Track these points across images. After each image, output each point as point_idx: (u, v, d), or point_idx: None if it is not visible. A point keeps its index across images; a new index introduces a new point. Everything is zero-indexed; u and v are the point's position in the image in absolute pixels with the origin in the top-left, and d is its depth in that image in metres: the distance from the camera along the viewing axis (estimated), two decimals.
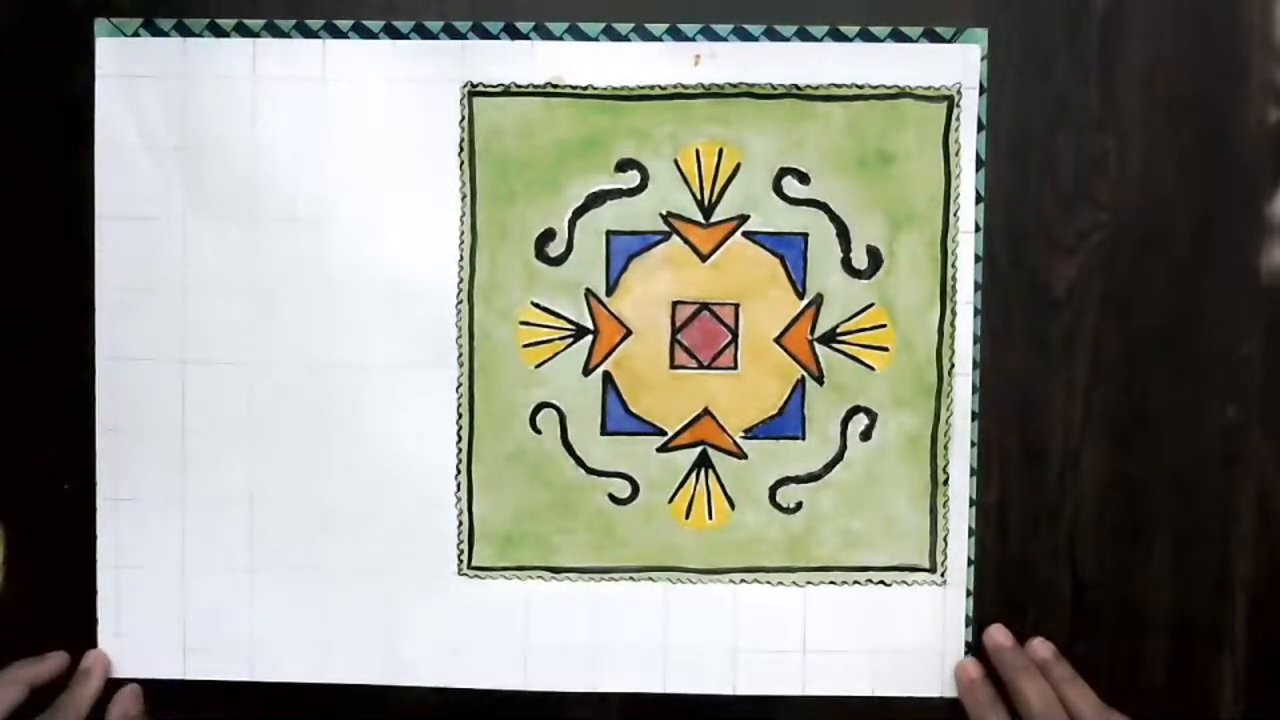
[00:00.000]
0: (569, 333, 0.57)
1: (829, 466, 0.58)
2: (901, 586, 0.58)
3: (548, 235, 0.57)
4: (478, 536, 0.58)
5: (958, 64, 0.56)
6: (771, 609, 0.58)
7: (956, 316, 0.57)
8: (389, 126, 0.57)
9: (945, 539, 0.57)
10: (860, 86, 0.56)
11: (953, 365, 0.57)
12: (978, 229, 0.57)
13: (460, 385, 0.57)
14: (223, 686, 0.58)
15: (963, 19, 0.56)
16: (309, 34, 0.56)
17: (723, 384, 0.57)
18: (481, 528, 0.58)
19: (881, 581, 0.58)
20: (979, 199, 0.56)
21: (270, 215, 0.57)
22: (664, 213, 0.57)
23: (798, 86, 0.56)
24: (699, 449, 0.58)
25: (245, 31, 0.56)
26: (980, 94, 0.56)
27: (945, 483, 0.57)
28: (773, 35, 0.56)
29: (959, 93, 0.56)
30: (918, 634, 0.58)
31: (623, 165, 0.57)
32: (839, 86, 0.56)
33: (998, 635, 0.57)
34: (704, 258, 0.57)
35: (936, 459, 0.57)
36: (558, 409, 0.57)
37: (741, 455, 0.58)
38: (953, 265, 0.57)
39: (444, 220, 0.57)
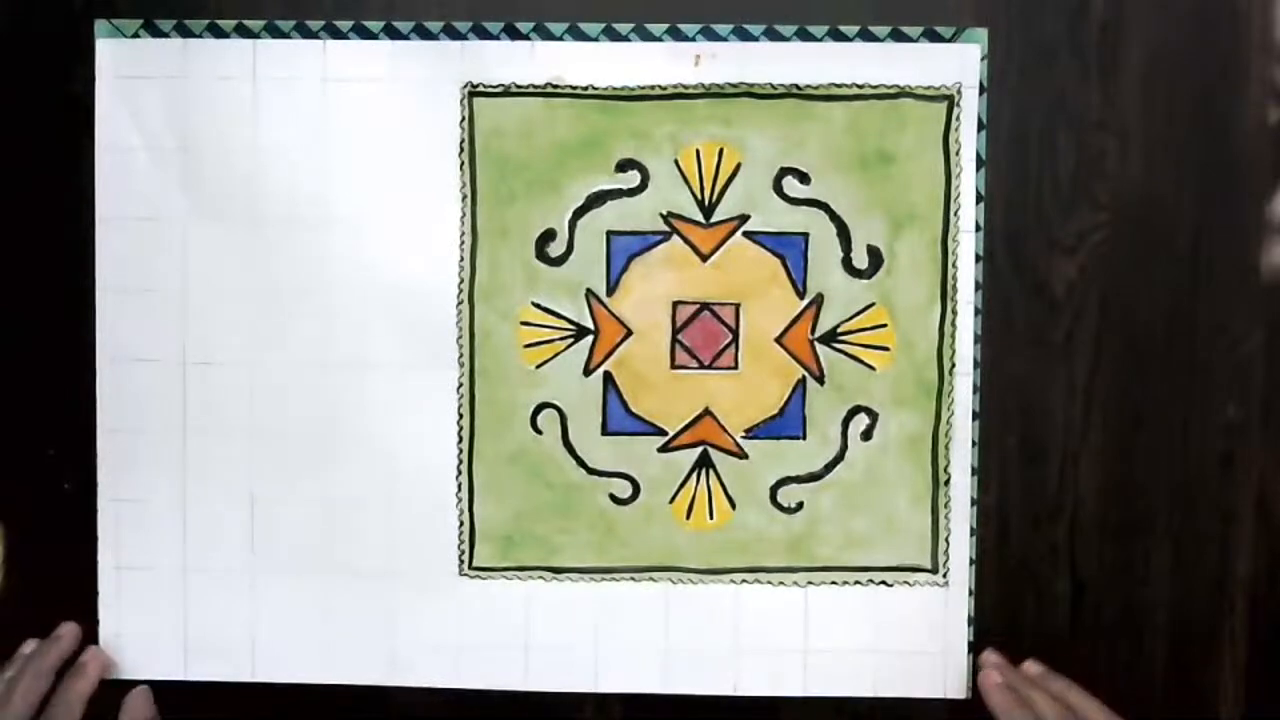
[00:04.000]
0: (569, 333, 0.57)
1: (830, 466, 0.58)
2: (903, 586, 0.58)
3: (548, 235, 0.57)
4: (479, 537, 0.58)
5: (957, 64, 0.56)
6: (772, 609, 0.58)
7: (957, 316, 0.57)
8: (389, 126, 0.57)
9: (946, 539, 0.57)
10: (860, 86, 0.56)
11: (953, 365, 0.57)
12: (978, 229, 0.57)
13: (461, 386, 0.57)
14: (224, 687, 0.58)
15: (963, 19, 0.56)
16: (309, 34, 0.56)
17: (723, 384, 0.57)
18: (482, 528, 0.58)
19: (883, 582, 0.58)
20: (979, 199, 0.56)
21: (270, 215, 0.57)
22: (664, 213, 0.57)
23: (798, 86, 0.56)
24: (700, 449, 0.58)
25: (245, 32, 0.56)
26: (980, 94, 0.56)
27: (946, 483, 0.57)
28: (773, 35, 0.56)
29: (959, 92, 0.56)
30: (919, 634, 0.58)
31: (623, 165, 0.57)
32: (839, 86, 0.56)
33: (991, 656, 0.57)
34: (704, 258, 0.57)
35: (937, 459, 0.57)
36: (558, 409, 0.57)
37: (742, 455, 0.58)
38: (953, 265, 0.57)
39: (444, 220, 0.57)
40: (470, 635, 0.58)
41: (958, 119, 0.56)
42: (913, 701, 0.58)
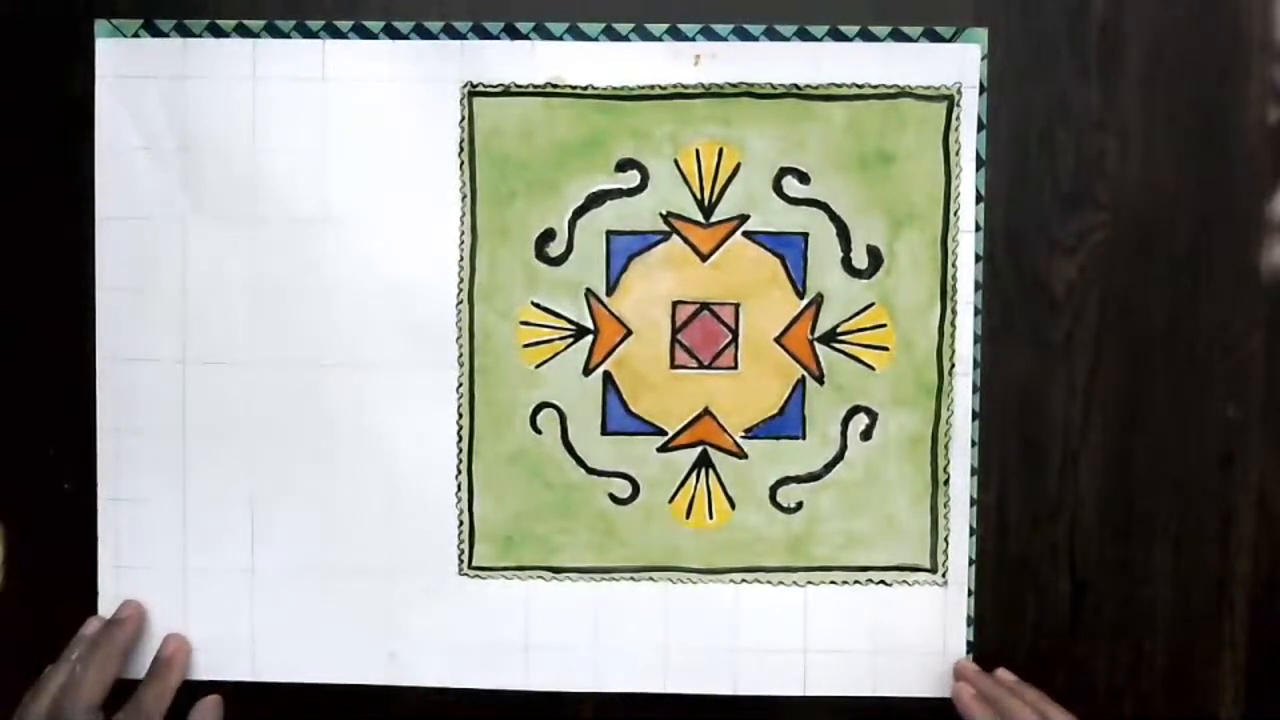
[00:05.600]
0: (569, 333, 0.57)
1: (829, 466, 0.58)
2: (902, 586, 0.58)
3: (548, 235, 0.57)
4: (478, 536, 0.58)
5: (958, 64, 0.56)
6: (772, 609, 0.58)
7: (957, 316, 0.57)
8: (389, 126, 0.57)
9: (946, 539, 0.57)
10: (860, 86, 0.56)
11: (953, 365, 0.57)
12: (978, 229, 0.57)
13: (461, 385, 0.57)
14: (223, 686, 0.58)
15: (963, 19, 0.56)
16: (309, 34, 0.56)
17: (723, 384, 0.57)
18: (482, 528, 0.58)
19: (882, 581, 0.58)
20: (979, 199, 0.56)
21: (270, 215, 0.57)
22: (664, 213, 0.57)
23: (798, 86, 0.56)
24: (699, 449, 0.58)
25: (245, 32, 0.57)
26: (980, 94, 0.56)
27: (946, 483, 0.57)
28: (773, 35, 0.56)
29: (959, 92, 0.56)
30: (919, 634, 0.58)
31: (623, 165, 0.57)
32: (839, 86, 0.56)
33: (968, 667, 0.57)
34: (704, 257, 0.57)
35: (937, 459, 0.57)
36: (558, 409, 0.57)
37: (742, 455, 0.58)
38: (953, 265, 0.57)
39: (444, 220, 0.57)
40: (470, 635, 0.58)
41: (958, 119, 0.56)
42: (912, 701, 0.58)
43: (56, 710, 0.53)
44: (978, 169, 0.56)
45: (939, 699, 0.57)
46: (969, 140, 0.56)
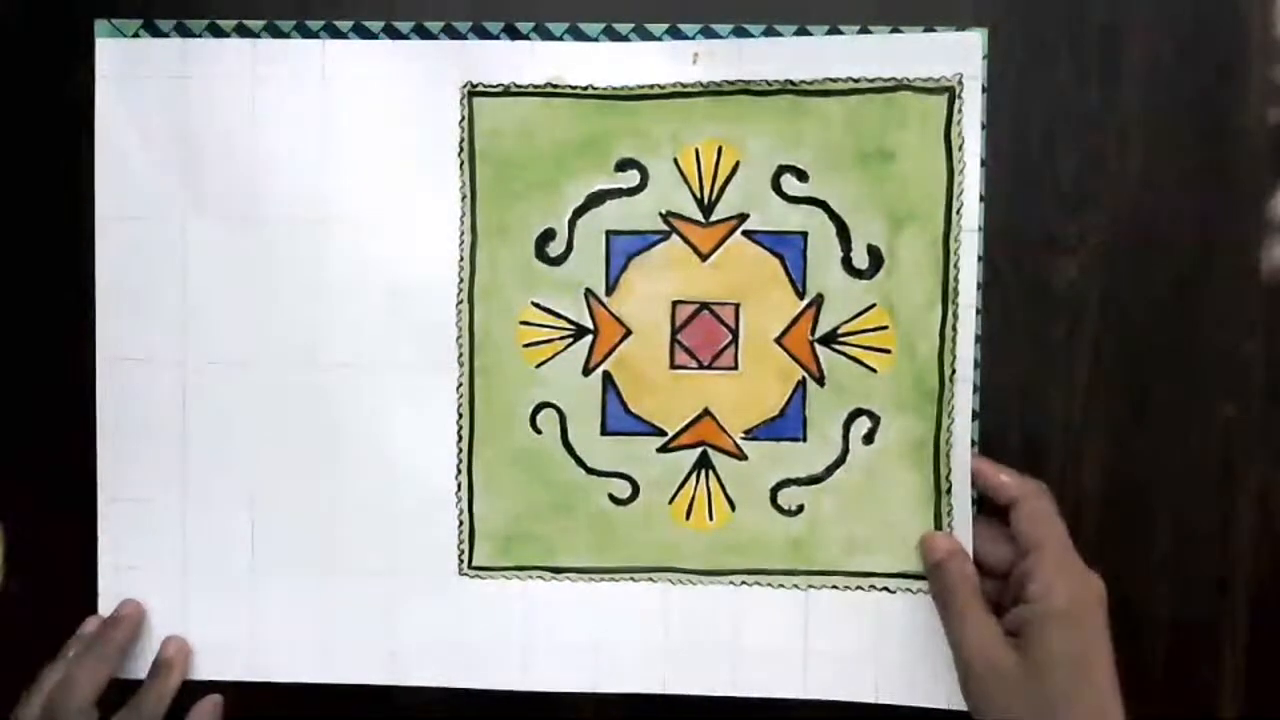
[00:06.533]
0: (569, 333, 0.57)
1: (830, 469, 0.57)
2: (905, 594, 0.57)
3: (548, 235, 0.57)
4: (478, 536, 0.58)
5: (958, 54, 0.55)
6: (772, 611, 0.58)
7: (959, 319, 0.56)
8: (389, 126, 0.57)
9: None
10: (857, 80, 0.56)
11: (954, 370, 0.56)
12: (979, 228, 0.56)
13: (460, 385, 0.57)
14: (223, 686, 0.58)
15: (963, 19, 0.56)
16: (309, 34, 0.56)
17: (723, 384, 0.57)
18: (482, 528, 0.58)
19: (885, 588, 0.57)
20: (979, 198, 0.56)
21: (270, 215, 0.57)
22: (664, 212, 0.57)
23: (793, 82, 0.56)
24: (699, 449, 0.58)
25: (245, 32, 0.57)
26: (981, 93, 0.56)
27: (948, 491, 0.57)
28: (772, 35, 0.56)
29: (960, 84, 0.55)
30: (921, 640, 0.57)
31: (623, 165, 0.56)
32: (835, 81, 0.56)
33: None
34: (704, 257, 0.57)
35: (939, 463, 0.57)
36: (558, 409, 0.57)
37: (742, 456, 0.58)
38: (954, 265, 0.56)
39: (444, 220, 0.57)
40: (470, 635, 0.58)
41: (959, 111, 0.55)
42: (914, 709, 0.57)
43: (50, 708, 0.53)
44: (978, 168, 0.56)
45: (941, 710, 0.57)
46: (972, 134, 0.55)
